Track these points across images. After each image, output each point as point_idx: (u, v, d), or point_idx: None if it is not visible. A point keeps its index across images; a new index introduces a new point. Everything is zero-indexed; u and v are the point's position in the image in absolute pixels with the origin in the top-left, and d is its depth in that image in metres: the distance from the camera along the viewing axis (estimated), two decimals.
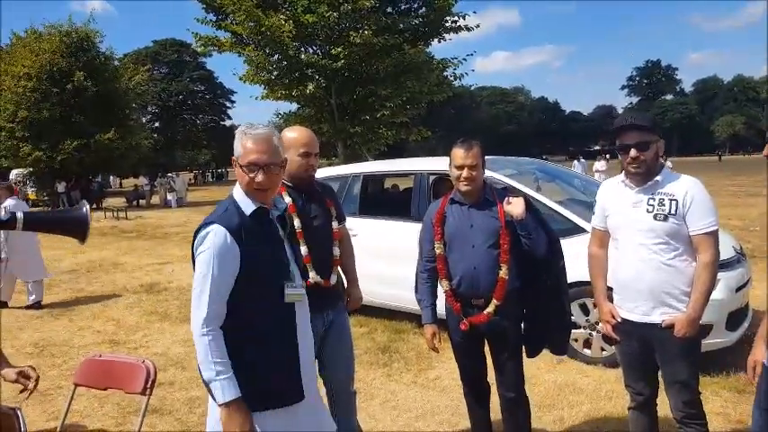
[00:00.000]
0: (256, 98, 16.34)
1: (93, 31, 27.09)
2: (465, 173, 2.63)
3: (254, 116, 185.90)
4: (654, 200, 2.41)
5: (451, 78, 16.77)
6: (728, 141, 76.21)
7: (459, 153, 2.64)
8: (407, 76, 15.33)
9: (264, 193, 1.93)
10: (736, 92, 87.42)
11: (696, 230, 2.35)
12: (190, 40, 16.64)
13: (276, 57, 15.23)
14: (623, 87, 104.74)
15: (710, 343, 2.92)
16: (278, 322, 1.92)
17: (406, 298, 5.08)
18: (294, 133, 2.72)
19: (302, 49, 15.84)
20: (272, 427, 1.85)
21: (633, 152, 2.38)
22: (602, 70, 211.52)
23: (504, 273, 2.61)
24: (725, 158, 62.22)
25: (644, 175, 2.42)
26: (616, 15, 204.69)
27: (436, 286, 2.85)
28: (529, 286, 2.72)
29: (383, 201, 6.34)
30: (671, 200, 2.37)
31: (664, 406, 2.66)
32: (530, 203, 2.66)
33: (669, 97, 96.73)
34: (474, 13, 15.86)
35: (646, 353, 2.52)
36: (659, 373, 2.58)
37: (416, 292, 2.92)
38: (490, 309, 2.64)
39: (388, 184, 8.17)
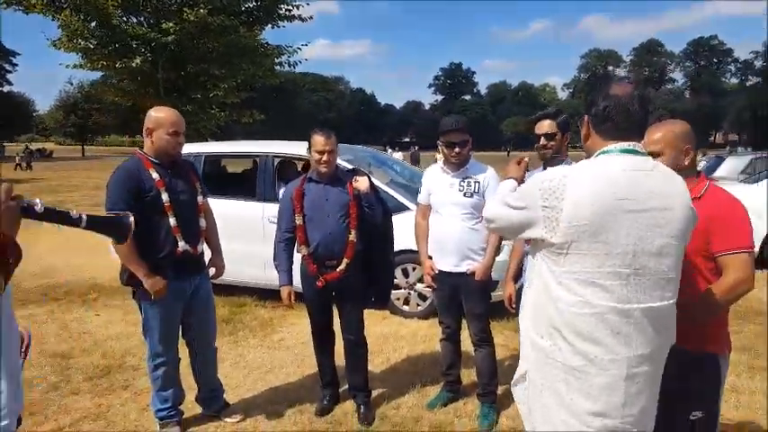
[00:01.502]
0: (67, 66, 14.80)
1: None
2: (325, 157, 3.18)
3: (47, 80, 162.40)
4: (464, 182, 3.22)
5: (286, 65, 16.80)
6: (513, 139, 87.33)
7: (320, 140, 3.17)
8: (242, 58, 15.13)
9: None
10: (521, 96, 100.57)
11: None
12: None
13: (94, 24, 13.88)
14: (430, 85, 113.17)
15: (498, 294, 3.80)
16: None
17: (248, 274, 5.47)
18: (162, 113, 2.96)
19: (127, 19, 14.67)
20: None
21: (457, 149, 3.17)
22: (413, 68, 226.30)
23: (353, 236, 3.23)
24: (512, 154, 71.77)
25: (460, 164, 3.23)
26: (426, 17, 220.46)
27: (292, 254, 3.35)
28: (368, 250, 3.35)
29: (224, 181, 6.50)
30: (475, 182, 3.22)
31: (466, 342, 3.54)
32: (372, 182, 3.31)
33: (468, 97, 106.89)
34: (308, 4, 16.03)
35: (454, 295, 3.36)
36: (463, 313, 3.43)
37: (275, 259, 3.37)
38: (342, 266, 3.23)
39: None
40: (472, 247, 3.23)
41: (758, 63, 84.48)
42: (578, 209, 1.53)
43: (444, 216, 3.27)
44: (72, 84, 57.95)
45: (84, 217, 1.20)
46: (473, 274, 3.23)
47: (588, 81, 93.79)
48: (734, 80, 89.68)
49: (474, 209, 3.21)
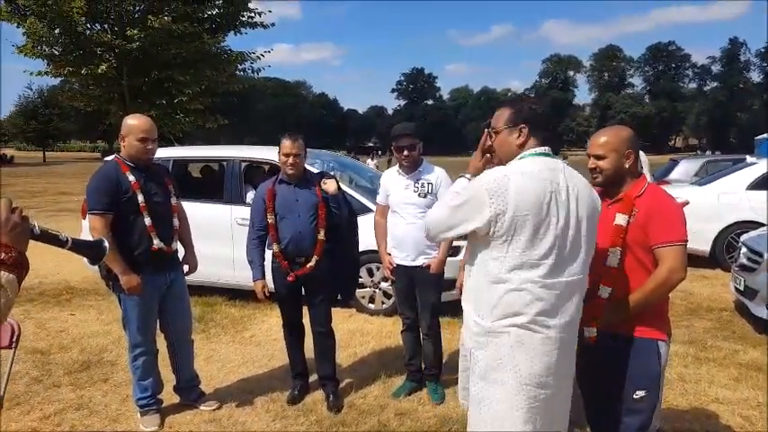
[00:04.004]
0: (32, 73, 14.86)
1: None
2: (291, 159, 3.45)
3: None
4: (418, 183, 3.54)
5: (250, 72, 17.17)
6: (475, 144, 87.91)
7: (287, 144, 3.44)
8: (205, 64, 15.40)
9: None
10: (482, 101, 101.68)
11: None
12: None
13: (59, 31, 14.00)
14: (393, 90, 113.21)
15: (450, 294, 3.98)
16: None
17: (218, 274, 5.68)
18: (135, 121, 3.23)
19: (92, 26, 14.86)
20: None
21: (406, 152, 3.49)
22: (375, 73, 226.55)
23: (321, 235, 3.49)
24: None
25: (412, 167, 3.55)
26: (386, 22, 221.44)
27: (264, 251, 3.60)
28: (335, 246, 3.59)
29: (191, 184, 6.63)
30: (428, 183, 3.54)
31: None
32: (338, 184, 3.58)
33: (430, 102, 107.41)
34: (270, 12, 16.48)
35: (411, 288, 3.67)
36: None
37: (248, 255, 3.61)
38: (312, 263, 3.49)
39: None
40: (427, 243, 3.52)
41: (715, 68, 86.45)
42: (520, 201, 1.79)
43: (401, 215, 3.58)
44: (31, 89, 57.15)
45: (70, 240, 1.38)
46: (428, 267, 3.55)
47: (549, 86, 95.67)
48: (692, 85, 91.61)
49: (428, 208, 3.48)
